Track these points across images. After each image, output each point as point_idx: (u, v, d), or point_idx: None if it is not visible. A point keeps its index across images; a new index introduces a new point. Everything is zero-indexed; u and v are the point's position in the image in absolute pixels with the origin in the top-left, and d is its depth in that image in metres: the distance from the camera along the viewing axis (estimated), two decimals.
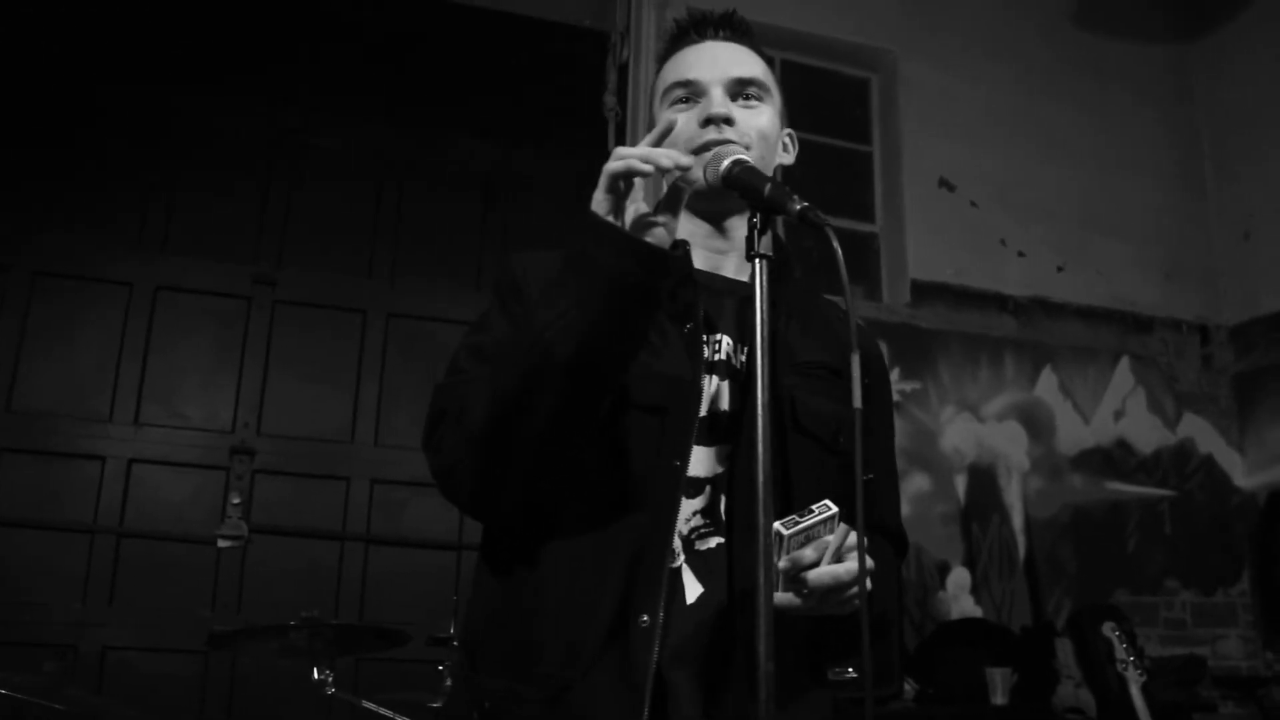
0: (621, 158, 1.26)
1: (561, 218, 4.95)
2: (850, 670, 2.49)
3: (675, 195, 1.31)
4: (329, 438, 4.42)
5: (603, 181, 1.27)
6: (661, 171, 1.25)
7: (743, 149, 1.41)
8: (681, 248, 1.48)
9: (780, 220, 1.28)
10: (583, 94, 4.92)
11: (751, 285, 1.43)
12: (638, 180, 1.27)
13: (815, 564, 1.26)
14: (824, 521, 1.27)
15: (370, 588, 4.30)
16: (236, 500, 4.24)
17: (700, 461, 1.40)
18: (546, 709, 1.29)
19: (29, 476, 4.09)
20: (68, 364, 4.22)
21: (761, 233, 1.24)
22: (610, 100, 4.86)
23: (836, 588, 1.26)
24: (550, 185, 4.97)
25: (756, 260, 1.23)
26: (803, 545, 1.26)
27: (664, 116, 1.40)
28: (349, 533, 4.34)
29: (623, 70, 4.87)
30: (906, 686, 4.06)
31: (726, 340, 1.46)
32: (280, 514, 4.28)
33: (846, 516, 1.27)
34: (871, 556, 1.30)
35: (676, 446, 1.36)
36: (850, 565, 1.27)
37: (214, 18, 4.68)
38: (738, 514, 1.38)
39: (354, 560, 4.33)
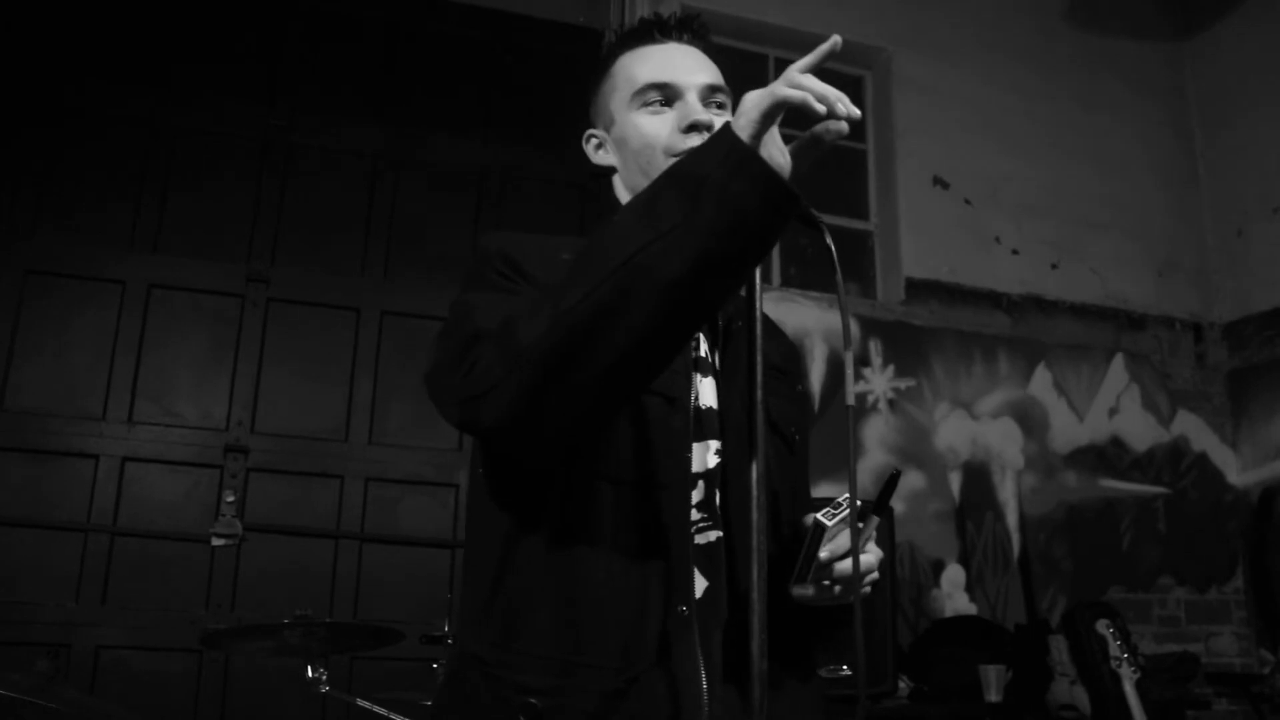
0: (800, 87, 1.13)
1: (552, 215, 4.98)
2: (844, 668, 2.50)
3: (814, 144, 1.21)
4: (323, 436, 4.41)
5: (764, 103, 1.13)
6: (831, 119, 1.16)
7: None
8: None
9: None
10: (576, 92, 4.91)
11: None
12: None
13: (847, 555, 1.31)
14: (851, 515, 1.30)
15: (364, 586, 4.29)
16: (230, 498, 4.22)
17: (696, 455, 1.40)
18: (607, 704, 1.25)
19: (21, 475, 4.07)
20: (60, 362, 4.21)
21: None
22: None
23: (860, 577, 1.27)
24: (543, 182, 4.97)
25: None
26: (835, 537, 1.32)
27: (641, 119, 1.46)
28: (343, 531, 4.33)
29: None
30: (901, 684, 4.06)
31: (701, 337, 1.47)
32: (274, 512, 4.27)
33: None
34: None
35: (683, 436, 1.37)
36: (870, 556, 1.36)
37: (205, 15, 4.67)
38: (732, 508, 1.38)
39: (348, 558, 4.32)
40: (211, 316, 4.41)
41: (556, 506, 1.33)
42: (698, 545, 1.37)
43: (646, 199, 1.18)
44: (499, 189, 4.92)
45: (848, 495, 1.28)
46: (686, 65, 1.53)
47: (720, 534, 1.39)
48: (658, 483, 1.34)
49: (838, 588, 1.33)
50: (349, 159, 4.76)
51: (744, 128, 1.13)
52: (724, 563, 1.37)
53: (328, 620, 3.07)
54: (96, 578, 4.03)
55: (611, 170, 1.58)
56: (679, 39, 1.56)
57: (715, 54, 1.59)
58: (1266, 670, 3.34)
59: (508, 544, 1.36)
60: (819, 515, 1.30)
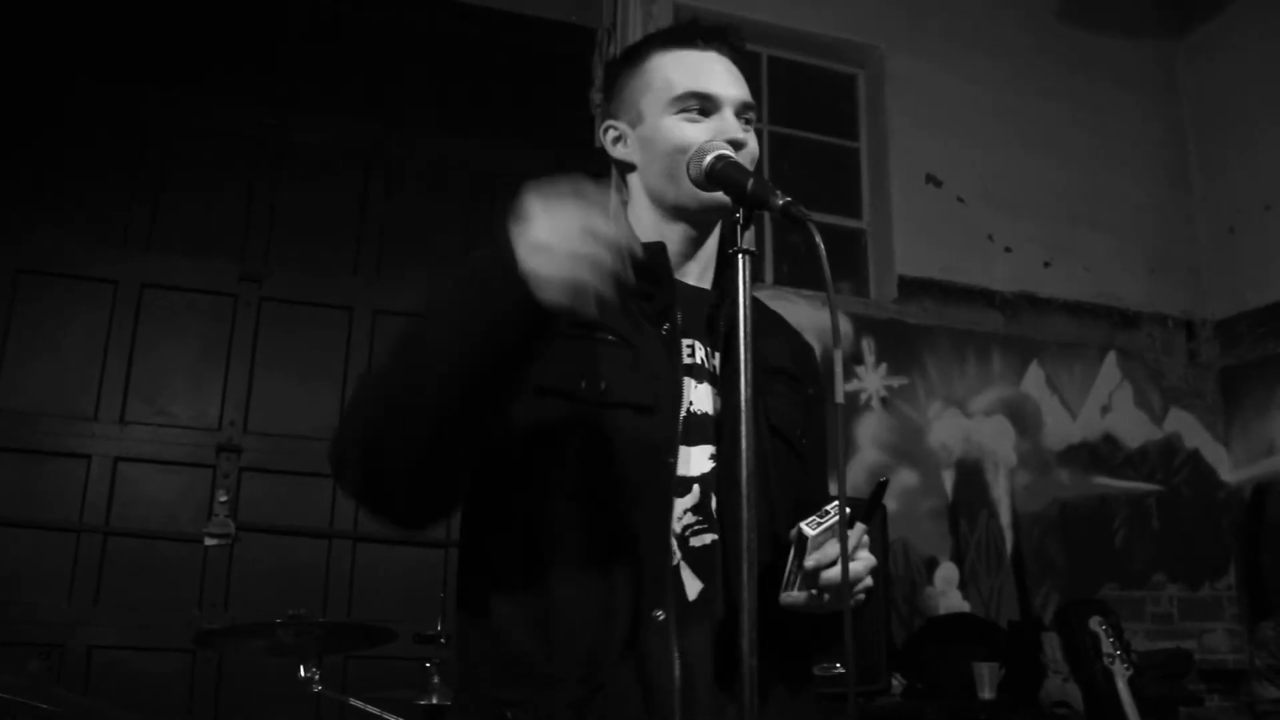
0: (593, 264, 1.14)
1: None
2: (838, 666, 2.50)
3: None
4: (316, 435, 4.40)
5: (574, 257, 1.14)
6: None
7: (728, 147, 1.41)
8: (658, 249, 1.49)
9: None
10: (569, 90, 4.91)
11: (714, 294, 1.49)
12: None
13: (834, 563, 1.31)
14: (840, 522, 1.30)
15: (358, 585, 4.29)
16: (223, 498, 4.22)
17: (686, 461, 1.40)
18: (575, 715, 1.27)
19: (14, 475, 4.07)
20: (53, 362, 4.20)
21: (744, 228, 1.23)
22: (597, 96, 4.85)
23: (850, 586, 1.30)
24: (535, 181, 4.96)
25: (740, 255, 1.22)
26: (821, 546, 1.31)
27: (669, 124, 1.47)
28: (336, 530, 4.33)
29: (609, 66, 4.86)
30: (894, 681, 4.06)
31: (698, 344, 1.48)
32: (267, 512, 4.27)
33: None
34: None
35: (668, 444, 1.37)
36: (860, 564, 1.35)
37: (197, 14, 4.66)
38: (727, 512, 1.39)
39: (341, 558, 4.32)
40: (204, 316, 4.41)
41: (521, 526, 1.37)
42: (693, 548, 1.38)
43: (445, 288, 1.30)
44: (493, 188, 4.92)
45: (836, 503, 1.29)
46: (727, 79, 1.52)
47: (715, 537, 1.39)
48: (627, 493, 1.35)
49: (826, 595, 1.33)
50: (342, 158, 4.76)
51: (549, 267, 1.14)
52: (720, 566, 1.37)
53: (321, 620, 3.08)
54: (89, 578, 4.03)
55: (625, 165, 1.57)
56: (719, 50, 1.55)
57: (744, 65, 1.58)
58: (1256, 662, 3.34)
59: (489, 562, 1.41)
60: (804, 524, 1.31)
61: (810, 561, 1.30)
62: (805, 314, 4.66)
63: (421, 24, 5.01)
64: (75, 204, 4.38)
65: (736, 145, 1.45)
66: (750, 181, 1.26)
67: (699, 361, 1.47)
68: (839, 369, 1.16)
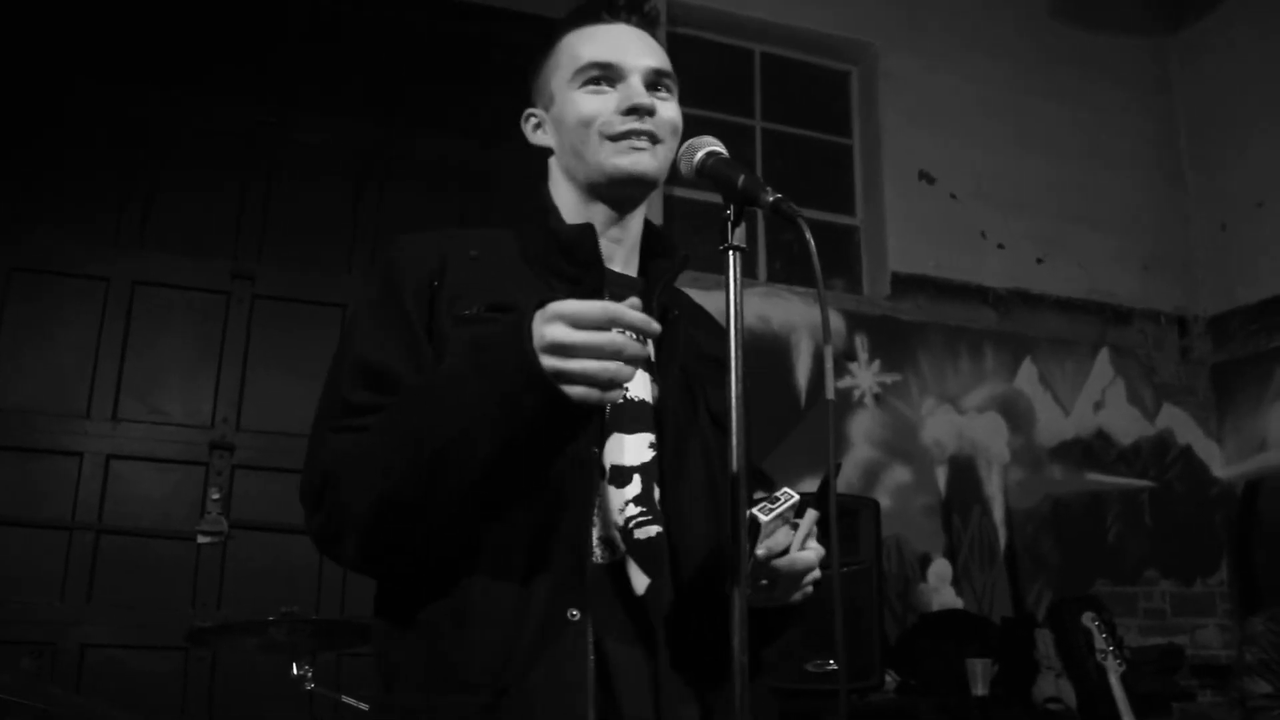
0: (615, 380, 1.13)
1: None
2: (830, 663, 2.50)
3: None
4: (309, 432, 4.40)
5: (561, 338, 1.12)
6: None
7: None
8: (586, 231, 1.46)
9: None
10: None
11: (640, 281, 1.48)
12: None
13: (785, 551, 1.28)
14: (791, 508, 1.28)
15: (351, 583, 4.27)
16: (216, 496, 4.21)
17: (626, 450, 1.37)
18: (485, 717, 1.23)
19: (6, 473, 4.05)
20: (45, 360, 4.19)
21: (735, 225, 1.23)
22: None
23: (800, 575, 1.30)
24: (529, 179, 4.95)
25: (730, 252, 1.22)
26: (773, 533, 1.27)
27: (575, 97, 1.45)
28: None
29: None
30: (888, 678, 4.07)
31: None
32: (260, 509, 4.26)
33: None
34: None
35: (591, 433, 1.31)
36: (810, 554, 1.31)
37: (191, 12, 4.65)
38: (669, 502, 1.36)
39: None
40: (197, 314, 4.39)
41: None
42: (638, 541, 1.34)
43: (457, 377, 1.23)
44: (485, 186, 4.91)
45: (787, 489, 1.27)
46: (634, 48, 1.48)
47: (660, 529, 1.35)
48: (550, 490, 1.30)
49: (777, 590, 1.31)
50: (335, 156, 4.75)
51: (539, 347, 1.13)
52: (667, 559, 1.33)
53: (314, 617, 3.07)
54: (82, 576, 4.01)
55: (544, 150, 1.56)
56: (628, 20, 1.53)
57: (657, 34, 1.56)
58: (1247, 658, 3.35)
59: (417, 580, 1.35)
60: (755, 510, 1.25)
61: (762, 550, 1.26)
62: (798, 311, 4.67)
63: (419, 23, 5.00)
64: (68, 202, 4.36)
65: (640, 111, 1.43)
66: (742, 178, 1.25)
67: None
68: (829, 365, 1.15)
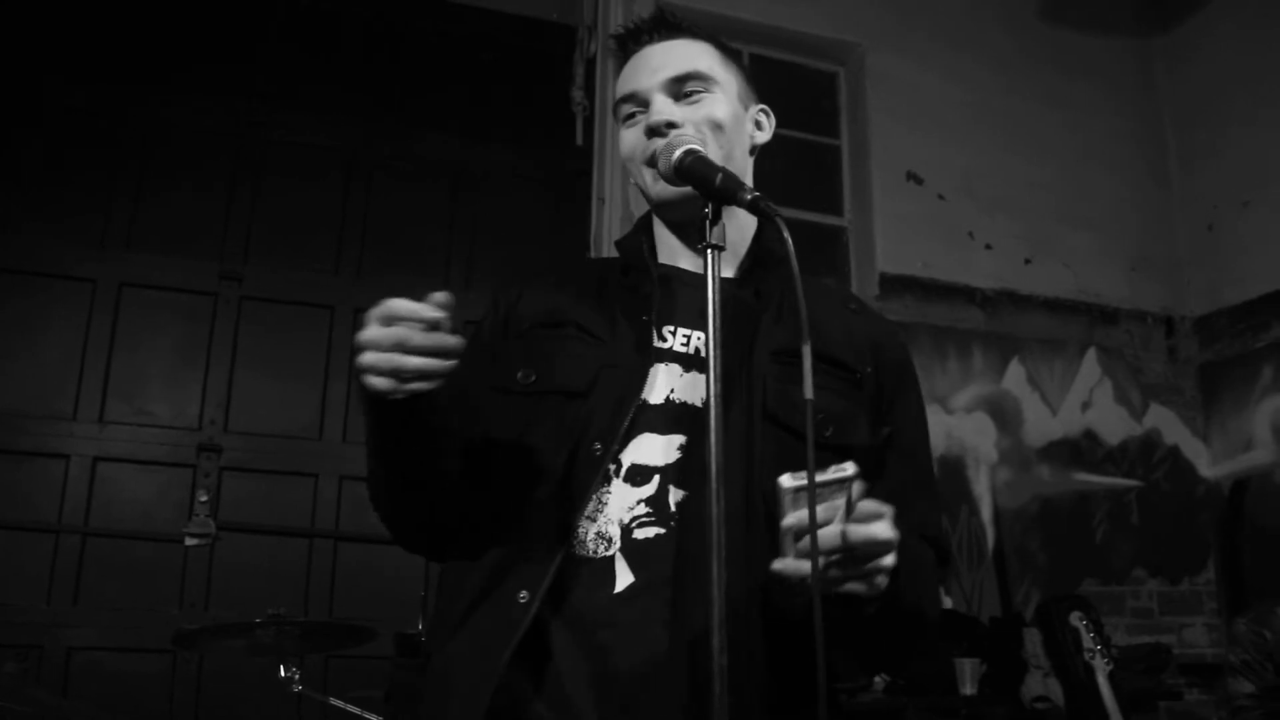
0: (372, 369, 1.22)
1: (529, 213, 4.96)
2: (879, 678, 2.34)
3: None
4: (297, 434, 4.40)
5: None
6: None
7: (697, 141, 1.38)
8: (635, 244, 1.52)
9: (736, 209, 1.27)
10: (550, 88, 4.91)
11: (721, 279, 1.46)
12: None
13: (826, 525, 1.16)
14: (839, 482, 1.16)
15: (339, 585, 4.28)
16: (203, 498, 4.21)
17: (653, 450, 1.37)
18: (421, 676, 1.39)
19: None
20: (31, 362, 4.17)
21: (713, 223, 1.23)
22: (578, 94, 4.86)
23: (848, 553, 1.17)
24: (518, 180, 4.96)
25: (708, 250, 1.22)
26: (798, 503, 1.16)
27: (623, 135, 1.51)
28: (317, 530, 4.31)
29: (590, 64, 4.87)
30: (876, 678, 4.07)
31: (685, 332, 1.45)
32: (248, 511, 4.25)
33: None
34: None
35: (601, 432, 1.35)
36: (870, 530, 1.17)
37: (177, 12, 4.64)
38: (688, 504, 1.34)
39: (322, 557, 4.31)
40: (184, 315, 4.39)
41: (472, 525, 1.43)
42: (635, 540, 1.33)
43: None
44: (474, 187, 4.91)
45: (843, 465, 1.18)
46: (649, 67, 1.50)
47: (661, 530, 1.33)
48: (553, 482, 1.35)
49: (832, 571, 1.17)
50: (324, 156, 4.74)
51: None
52: (668, 559, 1.31)
53: (302, 619, 3.07)
54: (68, 578, 4.00)
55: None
56: (650, 41, 1.53)
57: (698, 35, 1.56)
58: (1231, 658, 3.37)
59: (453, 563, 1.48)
60: (786, 476, 1.17)
61: (791, 519, 1.15)
62: None
63: (404, 23, 5.00)
64: (54, 203, 4.35)
65: (655, 131, 1.44)
66: (718, 176, 1.25)
67: (691, 350, 1.43)
68: (808, 364, 1.14)
